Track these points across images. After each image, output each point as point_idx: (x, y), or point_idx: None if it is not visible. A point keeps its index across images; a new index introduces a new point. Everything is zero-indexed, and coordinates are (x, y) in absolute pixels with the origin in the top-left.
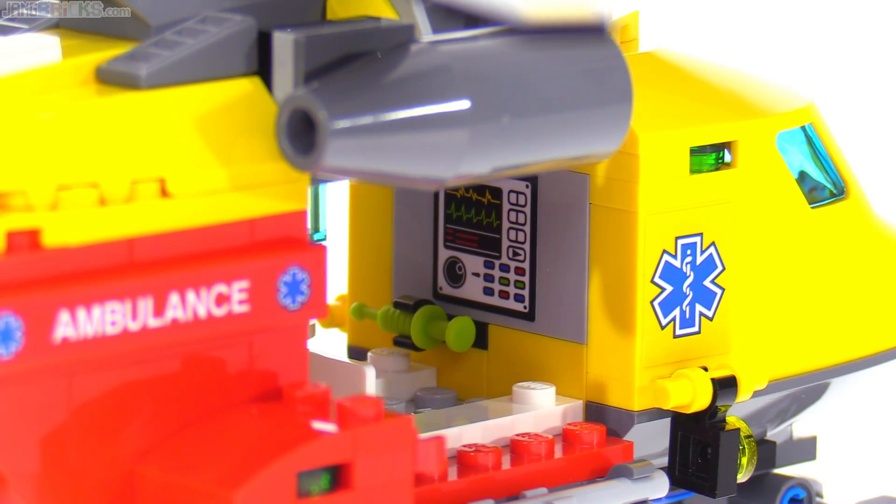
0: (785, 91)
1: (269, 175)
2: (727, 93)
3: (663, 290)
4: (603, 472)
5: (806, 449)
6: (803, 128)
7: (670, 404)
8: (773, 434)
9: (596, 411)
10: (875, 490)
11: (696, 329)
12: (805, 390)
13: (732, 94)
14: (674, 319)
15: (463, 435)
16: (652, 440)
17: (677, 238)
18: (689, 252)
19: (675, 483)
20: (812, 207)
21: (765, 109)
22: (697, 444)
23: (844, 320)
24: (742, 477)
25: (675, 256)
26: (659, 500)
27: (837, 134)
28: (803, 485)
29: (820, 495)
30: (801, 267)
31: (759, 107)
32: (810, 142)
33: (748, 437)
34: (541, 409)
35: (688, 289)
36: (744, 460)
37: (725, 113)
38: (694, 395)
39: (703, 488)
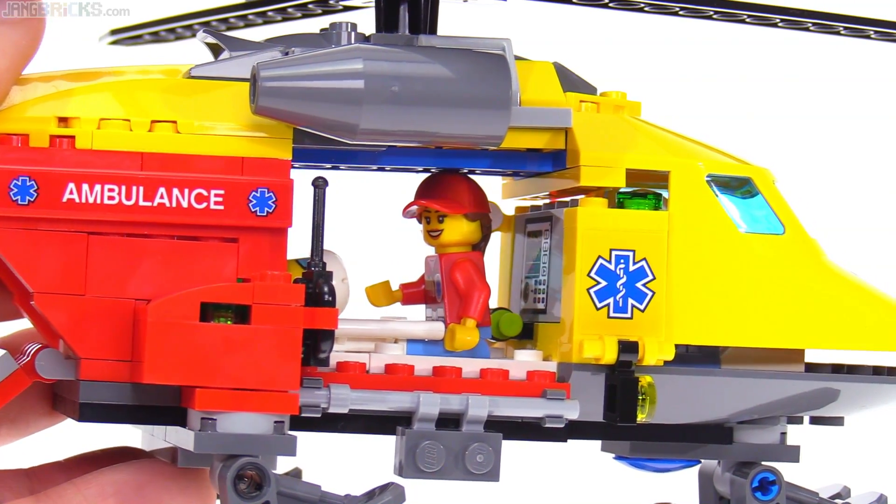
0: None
1: (259, 130)
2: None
3: (598, 283)
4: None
5: (791, 453)
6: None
7: (584, 354)
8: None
9: (560, 367)
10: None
11: (629, 315)
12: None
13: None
14: (608, 305)
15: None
16: (593, 389)
17: (612, 250)
18: (621, 261)
19: (606, 420)
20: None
21: (697, 154)
22: (612, 388)
23: (768, 315)
24: (644, 418)
25: (609, 262)
26: (671, 463)
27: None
28: (771, 469)
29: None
30: (731, 278)
31: (692, 152)
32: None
33: (650, 385)
34: (519, 360)
35: (621, 286)
36: (646, 405)
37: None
38: (603, 351)
39: (614, 420)
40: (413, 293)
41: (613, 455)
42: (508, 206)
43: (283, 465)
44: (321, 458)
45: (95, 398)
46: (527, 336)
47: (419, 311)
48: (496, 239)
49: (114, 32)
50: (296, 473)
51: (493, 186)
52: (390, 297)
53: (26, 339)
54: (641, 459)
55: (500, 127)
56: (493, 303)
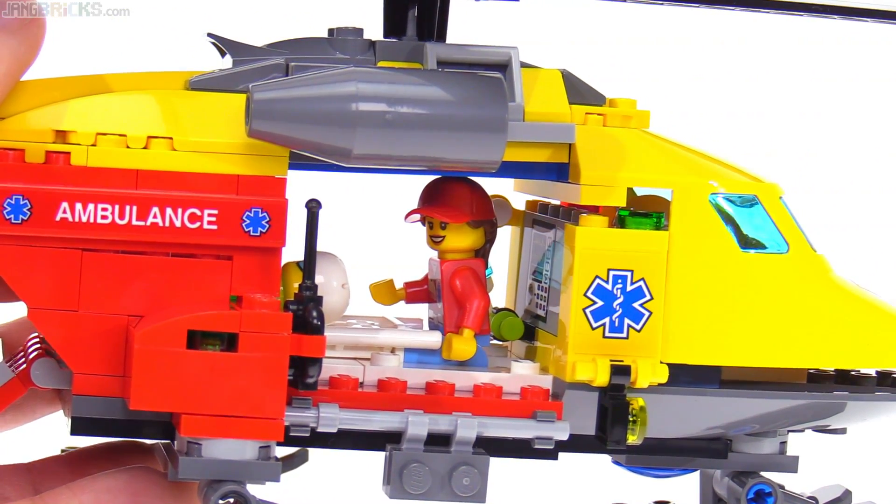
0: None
1: (255, 148)
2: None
3: (594, 302)
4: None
5: (790, 463)
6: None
7: (577, 377)
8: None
9: (554, 383)
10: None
11: (624, 335)
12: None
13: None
14: (603, 325)
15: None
16: (587, 406)
17: (609, 269)
18: (619, 281)
19: (597, 439)
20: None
21: (703, 170)
22: (604, 410)
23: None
24: (635, 440)
25: (606, 281)
26: (670, 470)
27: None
28: (768, 482)
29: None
30: (732, 298)
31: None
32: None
33: (642, 409)
34: (515, 374)
35: (618, 306)
36: (637, 427)
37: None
38: (595, 374)
39: (605, 441)
40: (416, 292)
41: (611, 459)
42: (519, 199)
43: (288, 450)
44: (311, 471)
45: (87, 412)
46: (530, 335)
47: (422, 309)
48: (506, 231)
49: None
50: (301, 455)
51: (504, 179)
52: (394, 295)
53: (26, 329)
54: (639, 466)
55: (496, 152)
56: (500, 298)
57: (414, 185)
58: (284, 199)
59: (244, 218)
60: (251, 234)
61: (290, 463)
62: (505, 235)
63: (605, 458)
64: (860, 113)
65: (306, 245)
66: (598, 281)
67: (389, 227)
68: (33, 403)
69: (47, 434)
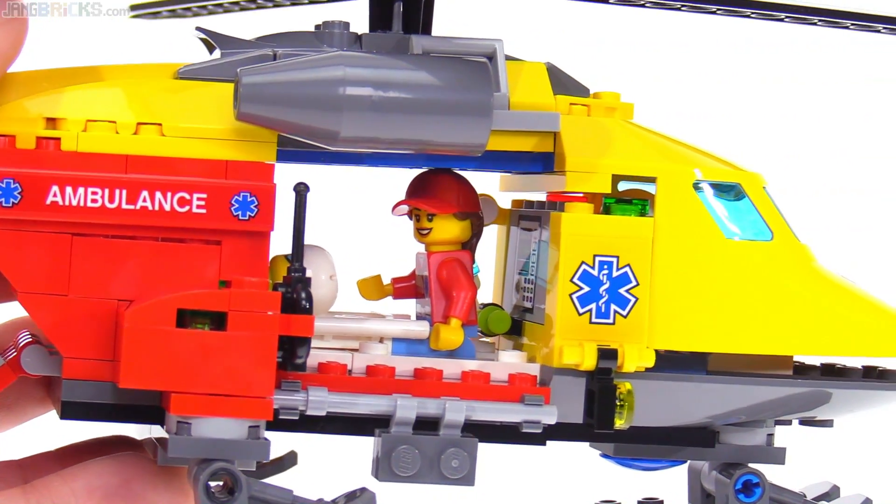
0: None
1: (243, 133)
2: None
3: (581, 288)
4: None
5: (777, 455)
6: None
7: (564, 361)
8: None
9: (542, 371)
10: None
11: (611, 321)
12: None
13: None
14: (590, 311)
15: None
16: (575, 392)
17: (595, 255)
18: (605, 267)
19: (584, 424)
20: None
21: (687, 158)
22: (591, 394)
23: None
24: (622, 425)
25: (592, 267)
26: (658, 462)
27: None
28: (755, 472)
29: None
30: (716, 285)
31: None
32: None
33: (629, 392)
34: (502, 362)
35: (604, 292)
36: (624, 412)
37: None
38: (582, 358)
39: (593, 427)
40: (404, 288)
41: (600, 453)
42: (505, 199)
43: (278, 449)
44: (301, 456)
45: (77, 396)
46: (517, 331)
47: (410, 305)
48: (493, 231)
49: (134, 7)
50: (291, 457)
51: (490, 178)
52: (381, 291)
53: (20, 328)
54: (628, 458)
55: (481, 135)
56: (488, 295)
57: (401, 182)
58: (273, 183)
59: (233, 202)
60: (240, 217)
61: (279, 465)
62: (491, 235)
63: (594, 453)
64: (843, 114)
65: (294, 228)
66: (584, 267)
67: (377, 224)
68: (24, 404)
69: (39, 435)
